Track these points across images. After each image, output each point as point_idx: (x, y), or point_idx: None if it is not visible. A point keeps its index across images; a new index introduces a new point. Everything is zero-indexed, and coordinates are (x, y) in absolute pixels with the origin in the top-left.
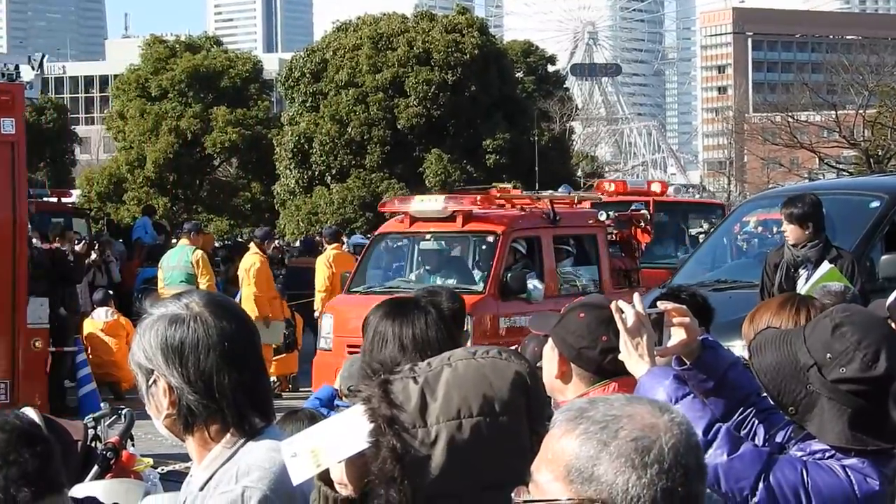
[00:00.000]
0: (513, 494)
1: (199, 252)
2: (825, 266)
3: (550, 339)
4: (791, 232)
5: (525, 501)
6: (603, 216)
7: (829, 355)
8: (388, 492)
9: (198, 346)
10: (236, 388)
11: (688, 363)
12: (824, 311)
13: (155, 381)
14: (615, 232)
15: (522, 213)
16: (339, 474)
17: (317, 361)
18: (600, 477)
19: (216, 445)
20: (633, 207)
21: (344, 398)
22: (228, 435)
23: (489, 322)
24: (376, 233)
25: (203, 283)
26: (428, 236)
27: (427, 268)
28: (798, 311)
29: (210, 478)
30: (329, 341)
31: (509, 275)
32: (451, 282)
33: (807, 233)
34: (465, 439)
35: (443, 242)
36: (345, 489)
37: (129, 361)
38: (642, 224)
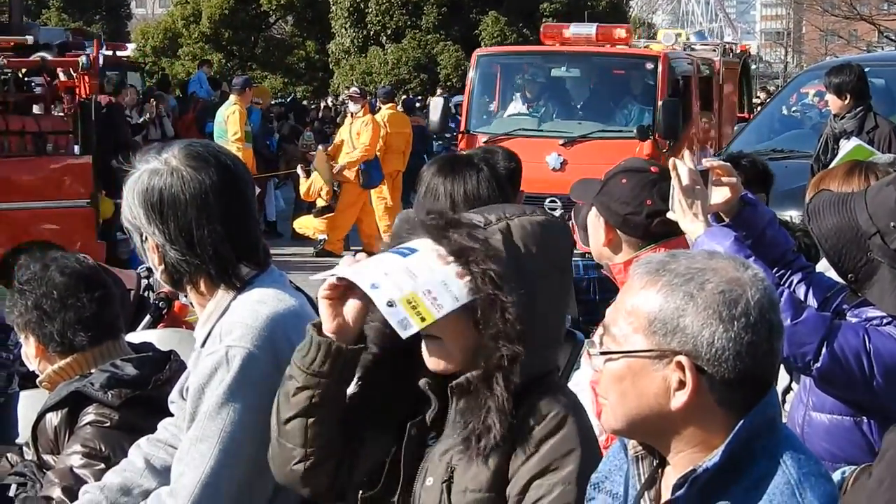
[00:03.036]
0: (587, 347)
1: (233, 107)
2: (851, 142)
3: (594, 208)
4: (831, 102)
5: (603, 353)
6: None
7: (892, 223)
8: (511, 346)
9: (175, 201)
10: (219, 240)
11: (727, 220)
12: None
13: (146, 239)
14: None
15: None
16: (438, 362)
17: None
18: (685, 328)
19: (210, 300)
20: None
21: None
22: (220, 290)
23: None
24: None
25: (231, 138)
26: None
27: None
28: (867, 179)
29: (209, 334)
30: None
31: None
32: None
33: (845, 102)
34: (548, 291)
35: None
36: (441, 364)
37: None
38: (76, 73)
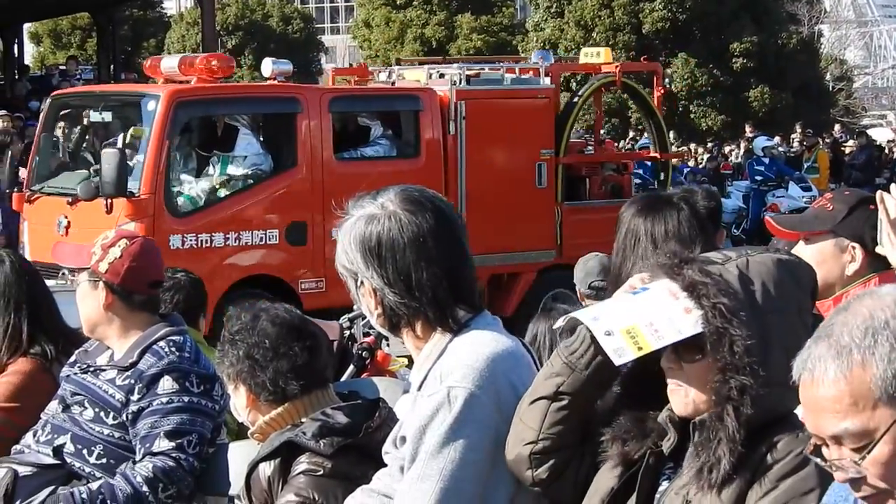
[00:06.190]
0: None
1: None
2: None
3: (838, 238)
4: None
5: (860, 456)
6: None
7: None
8: (739, 377)
9: (393, 245)
10: (437, 283)
11: None
12: None
13: (362, 283)
14: None
15: None
16: (685, 408)
17: None
18: None
19: (426, 343)
20: None
21: (585, 300)
22: (437, 332)
23: None
24: None
25: None
26: None
27: None
28: None
29: (425, 377)
30: None
31: None
32: None
33: None
34: (783, 329)
35: None
36: (689, 409)
37: (335, 264)
38: None
